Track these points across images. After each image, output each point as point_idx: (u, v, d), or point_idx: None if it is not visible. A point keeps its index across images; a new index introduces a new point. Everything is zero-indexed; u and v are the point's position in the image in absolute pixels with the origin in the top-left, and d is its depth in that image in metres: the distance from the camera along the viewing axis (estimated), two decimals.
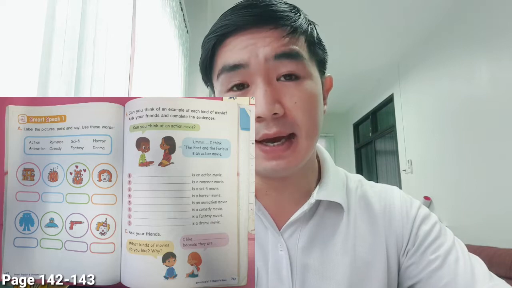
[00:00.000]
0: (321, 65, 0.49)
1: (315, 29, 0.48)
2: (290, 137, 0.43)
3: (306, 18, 0.47)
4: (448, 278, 0.45)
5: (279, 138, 0.42)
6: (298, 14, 0.45)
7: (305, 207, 0.47)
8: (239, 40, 0.43)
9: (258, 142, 0.43)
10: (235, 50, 0.43)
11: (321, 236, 0.48)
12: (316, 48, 0.47)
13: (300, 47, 0.44)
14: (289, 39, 0.43)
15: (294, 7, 0.46)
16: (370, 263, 0.47)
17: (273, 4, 0.44)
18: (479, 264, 0.46)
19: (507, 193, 2.04)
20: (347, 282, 0.46)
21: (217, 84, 0.46)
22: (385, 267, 0.48)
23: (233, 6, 0.45)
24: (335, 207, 0.49)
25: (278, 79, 0.43)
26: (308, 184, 0.51)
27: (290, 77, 0.43)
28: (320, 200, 0.49)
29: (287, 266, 0.46)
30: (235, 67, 0.42)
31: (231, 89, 0.44)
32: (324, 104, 0.50)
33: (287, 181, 0.48)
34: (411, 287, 0.49)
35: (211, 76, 0.48)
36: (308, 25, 0.46)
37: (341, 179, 0.53)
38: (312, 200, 0.47)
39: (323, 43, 0.49)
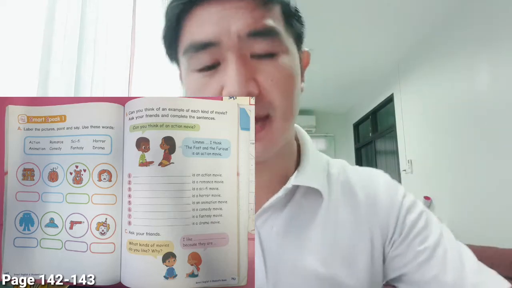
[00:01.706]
0: (298, 38, 0.45)
1: None
2: (265, 119, 0.40)
3: None
4: (436, 270, 0.44)
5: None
6: None
7: (281, 192, 0.44)
8: (208, 12, 0.38)
9: None
10: (204, 25, 0.38)
11: (298, 223, 0.45)
12: (293, 20, 0.43)
13: (276, 20, 0.40)
14: (263, 10, 0.39)
15: None
16: (351, 252, 0.45)
17: None
18: (468, 256, 0.45)
19: (507, 193, 2.04)
20: (325, 272, 0.43)
21: (183, 60, 0.42)
22: (369, 257, 0.46)
23: None
24: (313, 193, 0.46)
25: (252, 56, 0.39)
26: (285, 168, 0.48)
27: (266, 55, 0.40)
28: (298, 186, 0.46)
29: (259, 254, 0.43)
30: (204, 46, 0.38)
31: (200, 70, 0.40)
32: (302, 81, 0.47)
33: (262, 165, 0.43)
34: (398, 278, 0.47)
35: (177, 50, 0.43)
36: None
37: (321, 164, 0.50)
38: (288, 185, 0.44)
39: (300, 14, 0.45)
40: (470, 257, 0.45)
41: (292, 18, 0.43)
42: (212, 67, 0.40)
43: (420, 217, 0.47)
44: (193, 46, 0.39)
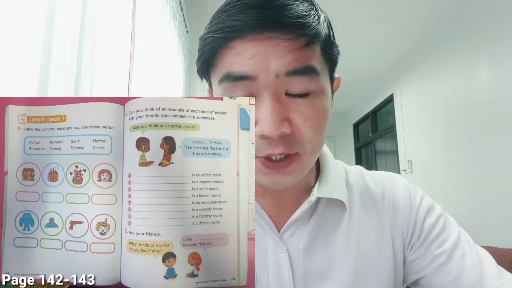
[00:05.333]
0: (332, 67, 0.45)
1: (331, 25, 0.43)
2: (293, 155, 0.41)
3: (324, 16, 0.42)
4: (454, 274, 0.44)
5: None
6: (317, 16, 0.40)
7: (305, 205, 0.45)
8: (248, 45, 0.37)
9: (259, 157, 0.40)
10: (243, 57, 0.38)
11: (323, 235, 0.46)
12: (331, 51, 0.43)
13: (315, 59, 0.39)
14: (304, 51, 0.38)
15: (312, 5, 0.40)
16: (375, 259, 0.46)
17: (290, 4, 0.38)
18: (487, 259, 0.45)
19: (507, 193, 2.04)
20: (351, 280, 0.44)
21: (218, 89, 0.41)
22: (392, 262, 0.46)
23: (241, 1, 0.38)
24: (335, 203, 0.47)
25: (286, 94, 0.39)
26: (307, 182, 0.49)
27: (301, 94, 0.39)
28: (320, 198, 0.47)
29: (288, 269, 0.44)
30: (240, 78, 0.38)
31: None
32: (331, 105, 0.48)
33: None
34: (416, 281, 0.48)
35: (210, 75, 0.43)
36: (325, 27, 0.41)
37: (340, 173, 0.50)
38: (312, 198, 0.45)
39: (335, 41, 0.44)
40: (489, 261, 0.45)
41: (330, 50, 0.42)
42: None
43: (438, 221, 0.47)
44: (229, 77, 0.39)
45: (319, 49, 0.40)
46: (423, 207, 0.48)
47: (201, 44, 0.42)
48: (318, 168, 0.51)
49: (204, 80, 0.46)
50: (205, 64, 0.42)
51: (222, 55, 0.40)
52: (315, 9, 0.41)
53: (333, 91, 0.48)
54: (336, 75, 0.47)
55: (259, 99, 0.38)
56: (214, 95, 0.44)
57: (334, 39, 0.44)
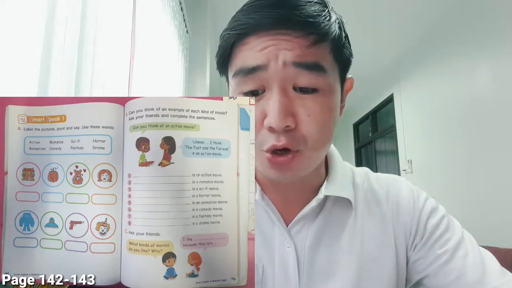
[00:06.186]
0: (344, 67, 0.45)
1: (344, 28, 0.45)
2: (296, 151, 0.42)
3: (336, 17, 0.43)
4: (457, 273, 0.44)
5: (286, 149, 0.41)
6: (329, 17, 0.41)
7: (313, 202, 0.46)
8: (260, 40, 0.40)
9: (265, 150, 0.41)
10: (255, 50, 0.40)
11: (329, 233, 0.47)
12: (342, 51, 0.44)
13: (324, 57, 0.41)
14: (313, 48, 0.40)
15: (325, 6, 0.43)
16: (378, 259, 0.47)
17: (302, 5, 0.40)
18: (490, 259, 0.46)
19: (507, 193, 2.04)
20: (355, 279, 0.45)
21: (232, 82, 0.44)
22: (394, 263, 0.47)
23: (258, 1, 0.41)
24: (342, 202, 0.48)
25: (294, 88, 0.41)
26: (315, 180, 0.49)
27: (307, 89, 0.41)
28: (328, 196, 0.48)
29: (294, 264, 0.45)
30: (253, 70, 0.40)
31: (247, 94, 0.42)
32: (343, 106, 0.49)
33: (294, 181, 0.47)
34: (419, 281, 0.48)
35: (227, 71, 0.46)
36: (337, 28, 0.42)
37: (348, 174, 0.52)
38: (320, 195, 0.46)
39: (349, 42, 0.46)
40: (492, 261, 0.46)
41: (341, 50, 0.44)
42: (257, 93, 0.41)
43: (441, 221, 0.48)
44: (243, 71, 0.41)
45: (329, 48, 0.42)
46: (427, 208, 0.49)
47: (219, 41, 0.45)
48: (326, 169, 0.52)
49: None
50: (222, 59, 0.45)
51: (237, 51, 0.43)
52: (327, 11, 0.42)
53: (345, 91, 0.48)
54: (348, 75, 0.48)
55: (269, 92, 0.41)
56: (230, 89, 0.46)
57: (346, 40, 0.45)
